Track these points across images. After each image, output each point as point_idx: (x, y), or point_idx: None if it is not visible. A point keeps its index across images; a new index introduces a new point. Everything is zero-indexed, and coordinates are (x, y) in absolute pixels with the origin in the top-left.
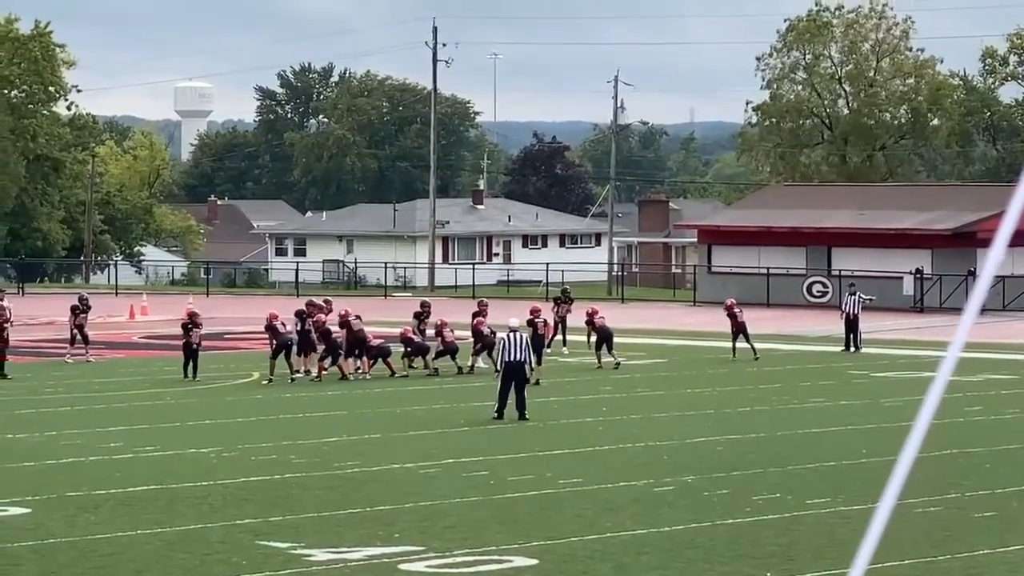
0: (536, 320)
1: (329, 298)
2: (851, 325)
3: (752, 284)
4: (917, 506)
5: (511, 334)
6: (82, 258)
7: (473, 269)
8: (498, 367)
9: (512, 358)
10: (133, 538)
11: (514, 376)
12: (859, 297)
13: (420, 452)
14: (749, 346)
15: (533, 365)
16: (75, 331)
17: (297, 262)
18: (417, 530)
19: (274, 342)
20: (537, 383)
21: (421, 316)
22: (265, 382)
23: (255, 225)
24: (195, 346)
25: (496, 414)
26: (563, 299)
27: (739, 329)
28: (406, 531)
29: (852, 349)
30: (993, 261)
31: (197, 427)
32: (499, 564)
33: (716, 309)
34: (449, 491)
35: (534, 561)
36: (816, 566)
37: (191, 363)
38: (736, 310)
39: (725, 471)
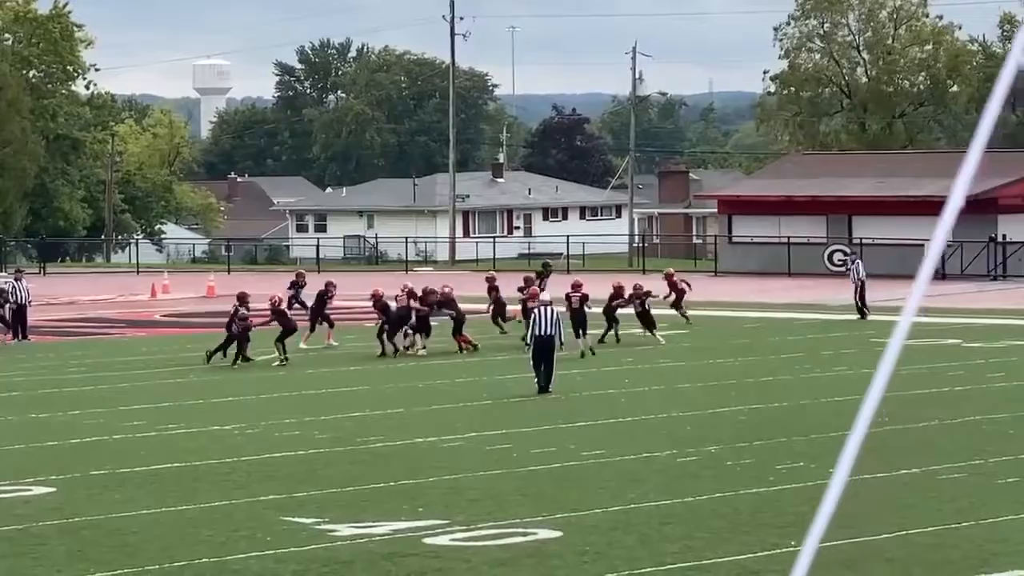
0: (573, 296)
1: (332, 280)
2: (862, 293)
3: (773, 253)
4: (941, 472)
5: (541, 308)
6: (103, 237)
7: (494, 242)
8: (528, 341)
9: (542, 332)
10: (158, 516)
11: (544, 350)
12: (861, 266)
13: (443, 426)
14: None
15: (584, 335)
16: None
17: (318, 238)
18: (441, 504)
19: (384, 318)
20: (592, 353)
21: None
22: (386, 353)
23: (275, 202)
24: (237, 331)
25: (539, 388)
26: (544, 272)
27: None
28: (430, 505)
29: (860, 316)
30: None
31: (220, 404)
32: (523, 536)
33: (738, 279)
34: (473, 464)
35: (558, 533)
36: (840, 534)
37: (235, 348)
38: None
39: (748, 441)
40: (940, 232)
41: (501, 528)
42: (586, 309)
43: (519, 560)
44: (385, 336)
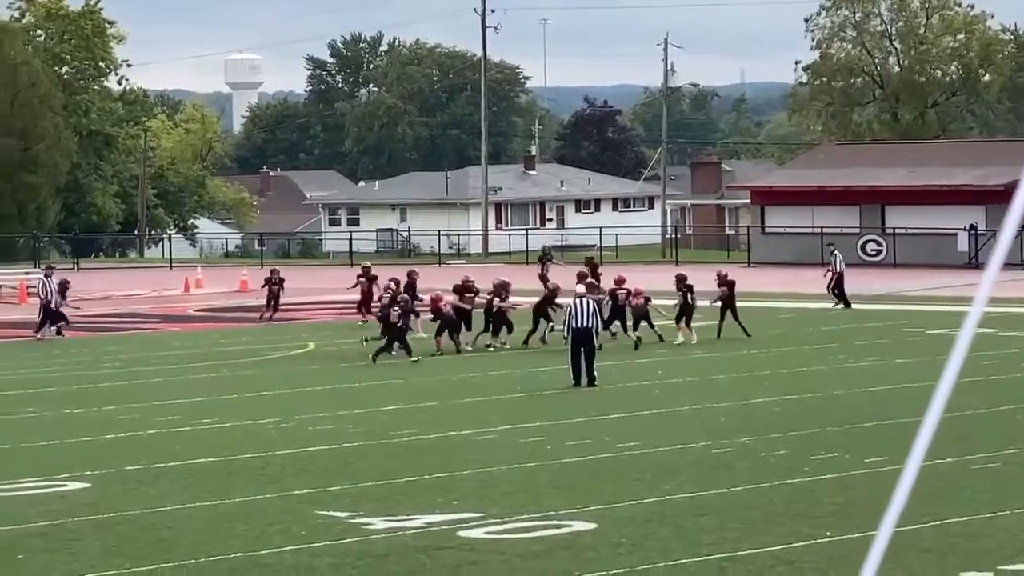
0: (619, 291)
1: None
2: (839, 283)
3: (806, 244)
4: (975, 462)
5: (578, 300)
6: (136, 232)
7: (527, 235)
8: (566, 334)
9: (580, 325)
10: (192, 510)
11: (582, 343)
12: (840, 258)
13: (477, 419)
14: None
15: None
16: None
17: (351, 232)
18: (475, 496)
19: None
20: (638, 345)
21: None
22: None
23: (308, 196)
24: (398, 319)
25: (573, 382)
26: (545, 258)
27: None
28: (464, 498)
29: (844, 305)
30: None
31: (254, 399)
32: (558, 529)
33: (771, 270)
34: (507, 457)
35: (593, 525)
36: (875, 525)
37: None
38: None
39: (782, 431)
40: (1011, 221)
41: (535, 520)
42: (629, 306)
43: (553, 552)
44: (445, 335)
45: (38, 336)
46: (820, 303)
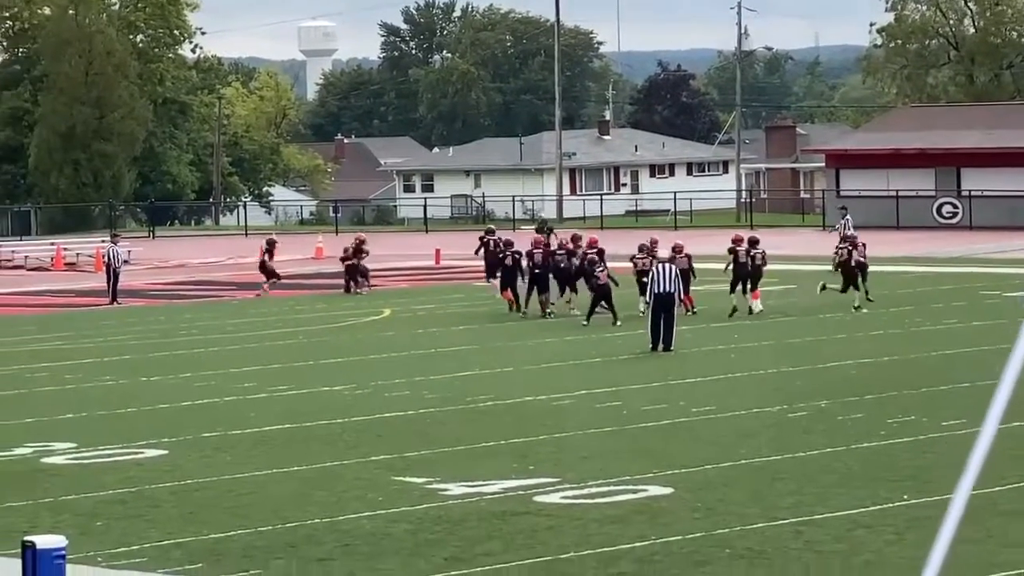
0: (679, 256)
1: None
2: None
3: (881, 207)
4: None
5: (660, 265)
6: (211, 200)
7: (601, 200)
8: (647, 299)
9: (661, 289)
10: (269, 477)
11: (663, 308)
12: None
13: (553, 384)
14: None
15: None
16: None
17: (425, 198)
18: (551, 461)
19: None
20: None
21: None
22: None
23: (382, 162)
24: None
25: (651, 347)
26: (544, 230)
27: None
28: (541, 463)
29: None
30: None
31: (330, 365)
32: (634, 494)
33: None
34: (583, 422)
35: (669, 490)
36: (952, 488)
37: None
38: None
39: (859, 395)
40: None
41: (611, 486)
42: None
43: (630, 517)
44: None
45: (118, 303)
46: (895, 266)
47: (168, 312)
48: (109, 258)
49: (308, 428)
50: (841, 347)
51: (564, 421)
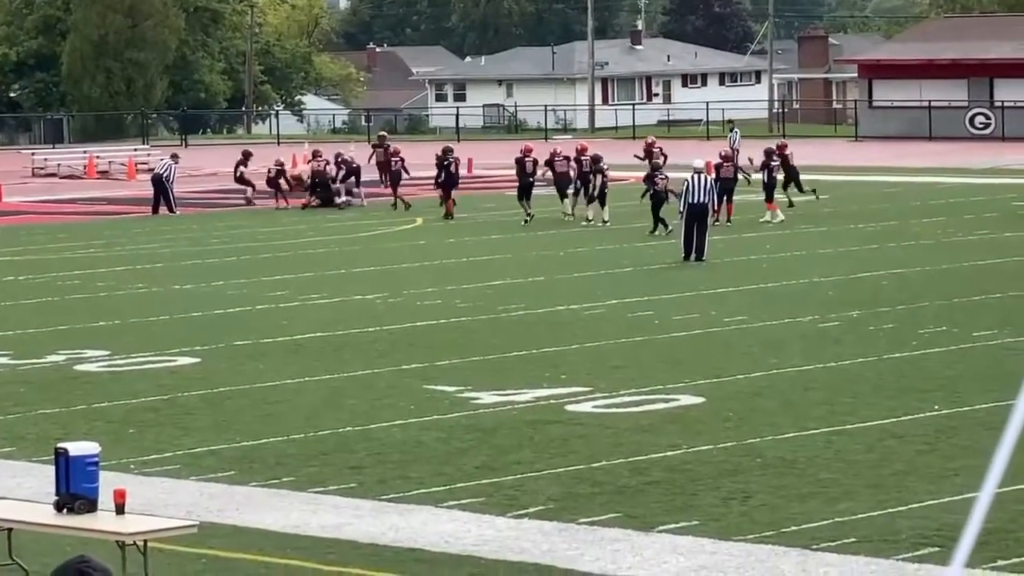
0: (727, 165)
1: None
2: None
3: (914, 118)
4: None
5: (695, 176)
6: (243, 109)
7: (633, 110)
8: (681, 209)
9: (695, 200)
10: (302, 385)
11: (697, 218)
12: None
13: (585, 293)
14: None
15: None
16: None
17: (457, 107)
18: (583, 371)
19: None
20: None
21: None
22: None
23: (414, 71)
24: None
25: (683, 257)
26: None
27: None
28: (572, 372)
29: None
30: None
31: (362, 274)
32: (665, 403)
33: (878, 144)
34: (614, 332)
35: (700, 399)
36: (983, 398)
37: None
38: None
39: (890, 305)
40: None
41: (643, 395)
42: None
43: (661, 427)
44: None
45: (177, 212)
46: (927, 177)
47: (200, 220)
48: (169, 173)
49: (341, 336)
50: (873, 257)
51: (596, 330)
